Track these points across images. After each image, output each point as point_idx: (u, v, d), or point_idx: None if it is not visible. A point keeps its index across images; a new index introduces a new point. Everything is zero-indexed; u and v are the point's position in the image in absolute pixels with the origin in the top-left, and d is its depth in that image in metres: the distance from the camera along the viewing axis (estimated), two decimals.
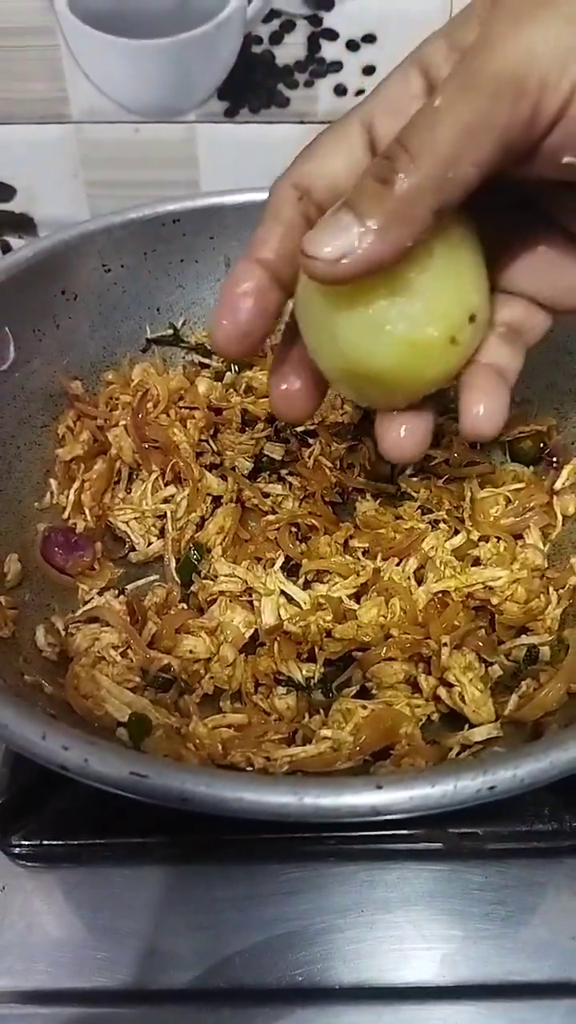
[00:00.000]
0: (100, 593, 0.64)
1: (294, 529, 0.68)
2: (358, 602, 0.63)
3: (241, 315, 0.42)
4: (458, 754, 0.53)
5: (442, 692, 0.57)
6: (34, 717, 0.41)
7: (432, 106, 0.34)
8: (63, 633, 0.61)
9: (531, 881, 0.58)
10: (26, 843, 0.57)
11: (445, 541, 0.66)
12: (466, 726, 0.55)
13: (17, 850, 0.57)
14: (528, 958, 0.56)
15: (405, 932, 0.56)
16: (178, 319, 0.79)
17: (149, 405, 0.72)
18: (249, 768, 0.52)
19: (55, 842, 0.57)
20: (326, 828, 0.56)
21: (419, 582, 0.64)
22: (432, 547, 0.65)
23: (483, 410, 0.44)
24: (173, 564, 0.67)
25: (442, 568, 0.63)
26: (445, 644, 0.57)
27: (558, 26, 0.32)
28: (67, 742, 0.39)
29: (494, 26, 0.34)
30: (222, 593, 0.63)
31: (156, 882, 0.57)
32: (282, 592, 0.63)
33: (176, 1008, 0.54)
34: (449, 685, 0.57)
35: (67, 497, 0.68)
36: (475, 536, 0.66)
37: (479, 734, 0.54)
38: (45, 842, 0.57)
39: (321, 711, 0.58)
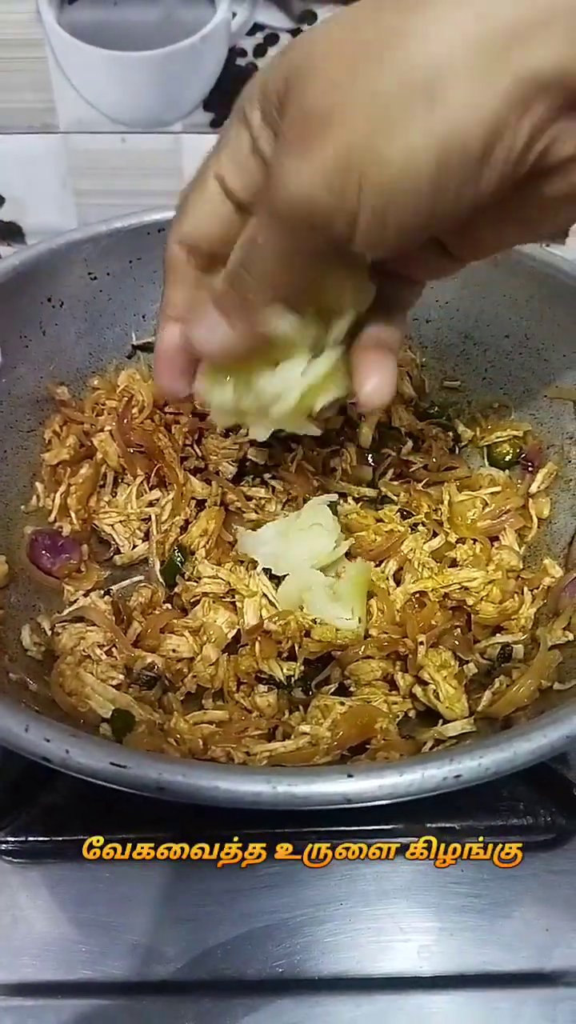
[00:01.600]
0: (86, 594, 0.65)
1: None
2: None
3: (177, 368, 0.50)
4: (432, 748, 0.55)
5: (417, 690, 0.58)
6: (18, 710, 0.43)
7: (255, 241, 0.40)
8: (49, 633, 0.62)
9: (506, 874, 0.60)
10: (12, 839, 0.58)
11: (424, 543, 0.67)
12: (440, 722, 0.57)
13: (3, 846, 0.58)
14: (503, 949, 0.57)
15: (384, 924, 0.58)
16: None
17: (134, 411, 0.73)
18: (229, 763, 0.53)
19: (41, 839, 0.58)
20: (307, 821, 0.57)
21: (398, 583, 0.65)
22: (411, 549, 0.67)
23: (373, 384, 0.47)
24: (157, 566, 0.68)
25: (420, 569, 0.65)
26: (421, 643, 0.59)
27: (329, 155, 0.34)
28: (49, 734, 0.40)
29: (281, 157, 0.36)
30: (205, 594, 0.65)
31: (140, 877, 0.59)
32: (264, 595, 0.64)
33: (159, 999, 0.55)
34: (424, 683, 0.58)
35: (53, 500, 0.69)
36: (453, 538, 0.68)
37: (453, 729, 0.55)
38: (31, 838, 0.58)
39: (301, 708, 0.59)
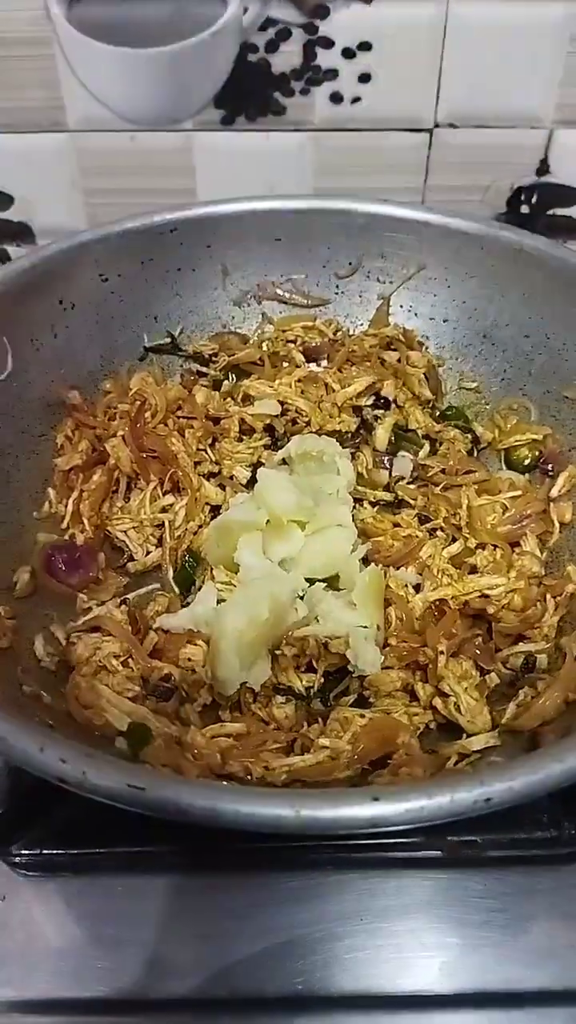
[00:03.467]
0: (101, 603, 0.64)
1: None
2: None
3: None
4: (456, 763, 0.53)
5: (437, 702, 0.57)
6: (32, 730, 0.42)
7: None
8: (63, 642, 0.61)
9: (530, 889, 0.58)
10: (27, 852, 0.57)
11: (442, 549, 0.66)
12: (464, 735, 0.56)
13: (18, 859, 0.57)
14: (527, 966, 0.56)
15: (404, 940, 0.56)
16: (176, 327, 0.79)
17: (147, 415, 0.72)
18: (248, 777, 0.52)
19: (56, 851, 0.57)
20: (325, 837, 0.56)
21: (416, 589, 0.64)
22: (430, 555, 0.65)
23: None
24: (171, 573, 0.67)
25: (439, 576, 0.63)
26: (442, 652, 0.57)
27: None
28: (65, 755, 0.39)
29: None
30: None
31: (156, 891, 0.58)
32: None
33: (176, 1017, 0.54)
34: (445, 695, 0.57)
35: (66, 507, 0.68)
36: (472, 544, 0.66)
37: (477, 743, 0.54)
38: (46, 851, 0.57)
39: (320, 720, 0.58)
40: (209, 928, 0.56)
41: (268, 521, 0.65)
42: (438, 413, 0.78)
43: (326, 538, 0.65)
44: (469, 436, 0.76)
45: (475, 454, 0.76)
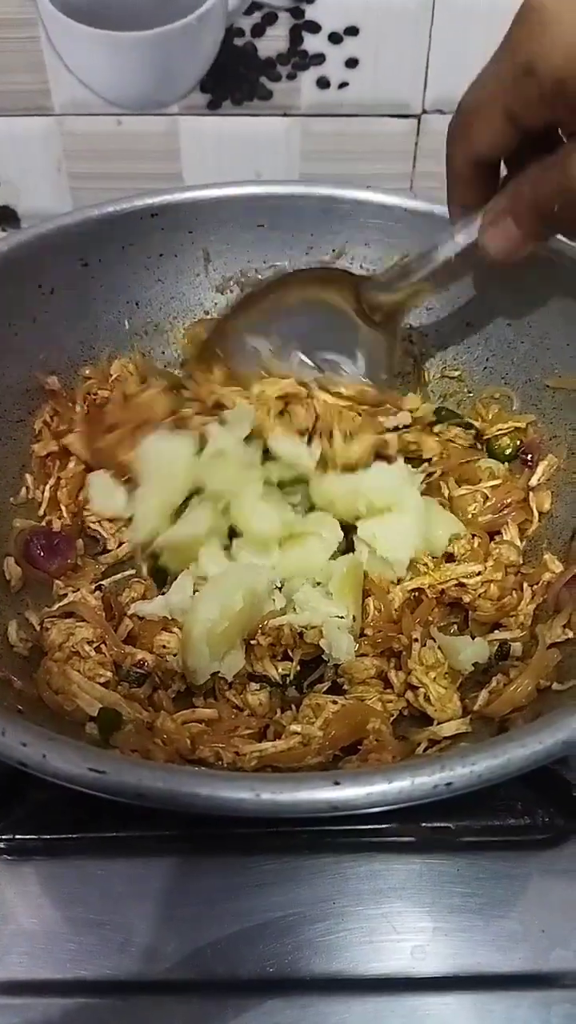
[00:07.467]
0: (76, 588, 0.64)
1: None
2: None
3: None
4: (426, 749, 0.53)
5: (408, 694, 0.57)
6: None
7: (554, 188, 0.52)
8: (37, 628, 0.61)
9: (503, 875, 0.59)
10: (1, 837, 0.57)
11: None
12: (435, 722, 0.56)
13: None
14: (498, 950, 0.56)
15: (377, 924, 0.57)
16: (157, 313, 0.78)
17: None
18: (218, 762, 0.52)
19: (30, 836, 0.57)
20: (290, 822, 0.56)
21: (397, 582, 0.64)
22: None
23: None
24: (144, 568, 0.67)
25: (418, 566, 0.63)
26: (416, 639, 0.57)
27: None
28: (26, 738, 0.39)
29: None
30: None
31: (131, 875, 0.58)
32: None
33: (149, 999, 0.54)
34: (415, 687, 0.57)
35: (42, 493, 0.68)
36: None
37: (447, 729, 0.54)
38: (19, 836, 0.57)
39: (293, 707, 0.58)
40: (183, 911, 0.57)
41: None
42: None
43: (304, 547, 0.65)
44: (472, 432, 0.74)
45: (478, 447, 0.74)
